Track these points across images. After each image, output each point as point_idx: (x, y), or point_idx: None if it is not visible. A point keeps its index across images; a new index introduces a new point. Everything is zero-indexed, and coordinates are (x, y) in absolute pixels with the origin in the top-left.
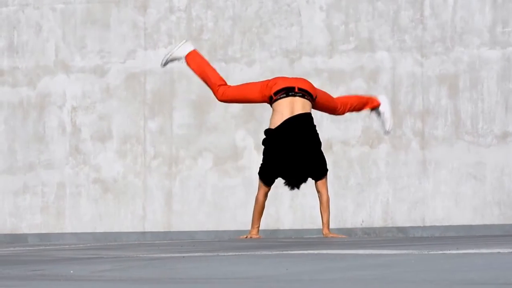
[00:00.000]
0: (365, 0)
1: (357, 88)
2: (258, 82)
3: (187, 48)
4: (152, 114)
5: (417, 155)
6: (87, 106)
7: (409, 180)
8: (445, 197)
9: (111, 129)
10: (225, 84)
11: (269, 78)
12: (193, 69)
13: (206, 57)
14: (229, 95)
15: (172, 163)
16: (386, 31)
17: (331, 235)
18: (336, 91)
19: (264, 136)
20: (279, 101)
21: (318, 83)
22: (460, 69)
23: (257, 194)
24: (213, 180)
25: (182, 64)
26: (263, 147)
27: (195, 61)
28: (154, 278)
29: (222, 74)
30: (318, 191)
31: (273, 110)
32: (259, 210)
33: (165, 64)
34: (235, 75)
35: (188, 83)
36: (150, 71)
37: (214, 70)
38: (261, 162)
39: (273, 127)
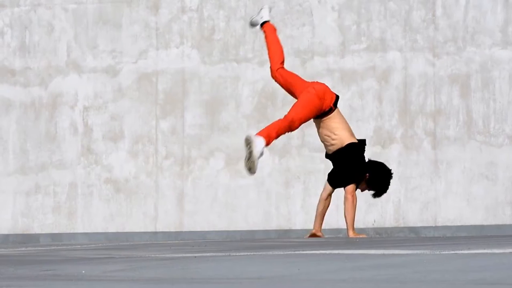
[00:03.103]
0: (377, 0)
1: (369, 88)
2: (306, 84)
3: (265, 15)
4: (164, 114)
5: (429, 155)
6: (99, 106)
7: (421, 180)
8: (457, 197)
9: (123, 129)
10: (283, 67)
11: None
12: (266, 39)
13: (218, 57)
14: (280, 79)
15: (184, 163)
16: (398, 31)
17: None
18: (347, 91)
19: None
20: (340, 114)
21: (330, 83)
22: (472, 69)
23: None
24: (224, 180)
25: (194, 65)
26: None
27: (269, 34)
28: (165, 278)
29: (233, 74)
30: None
31: (338, 121)
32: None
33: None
34: (247, 75)
35: (200, 83)
36: (162, 71)
37: (281, 48)
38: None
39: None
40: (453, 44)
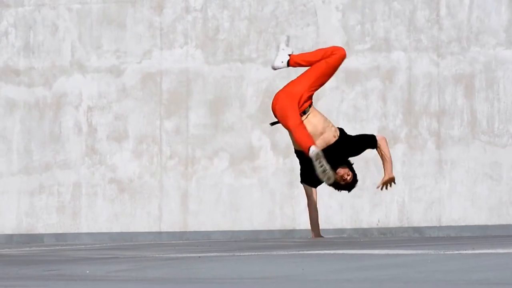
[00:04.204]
0: (381, 0)
1: (373, 88)
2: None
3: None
4: (168, 114)
5: (433, 155)
6: (103, 106)
7: (425, 180)
8: (461, 197)
9: (127, 129)
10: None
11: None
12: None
13: (222, 57)
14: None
15: (188, 163)
16: (402, 31)
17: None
18: (352, 91)
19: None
20: None
21: (334, 83)
22: (476, 69)
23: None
24: (229, 180)
25: (198, 65)
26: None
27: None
28: (170, 278)
29: (237, 74)
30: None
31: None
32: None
33: None
34: (251, 75)
35: (204, 83)
36: (166, 71)
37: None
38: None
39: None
40: (457, 44)
